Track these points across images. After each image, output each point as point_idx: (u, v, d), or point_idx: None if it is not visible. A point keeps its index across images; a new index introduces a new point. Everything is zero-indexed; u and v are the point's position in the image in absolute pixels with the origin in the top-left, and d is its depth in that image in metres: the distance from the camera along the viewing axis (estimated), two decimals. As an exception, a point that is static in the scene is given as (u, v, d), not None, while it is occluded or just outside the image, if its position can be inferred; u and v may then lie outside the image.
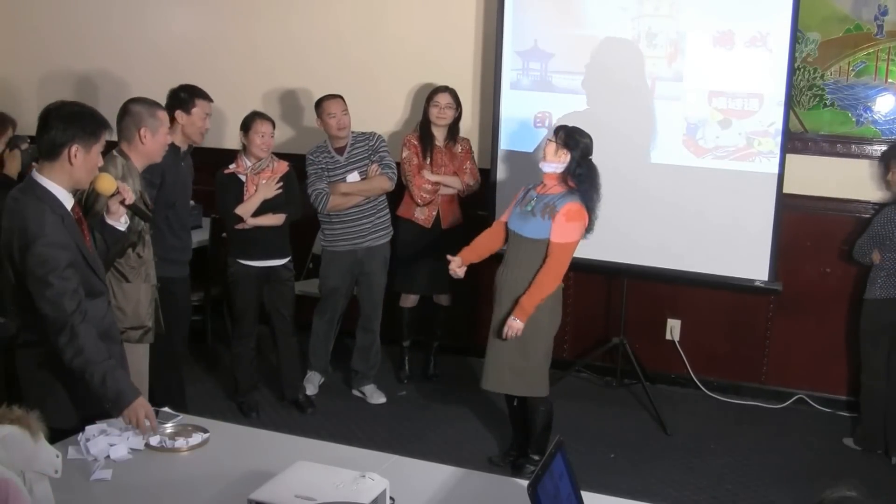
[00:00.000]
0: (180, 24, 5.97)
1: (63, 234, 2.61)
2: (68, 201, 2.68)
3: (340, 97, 4.72)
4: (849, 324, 4.79)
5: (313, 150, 4.80)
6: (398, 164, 4.88)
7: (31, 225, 2.57)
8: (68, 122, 2.64)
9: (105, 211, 2.98)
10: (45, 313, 2.57)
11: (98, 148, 2.68)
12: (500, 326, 3.84)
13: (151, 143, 3.47)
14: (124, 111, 3.50)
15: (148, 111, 3.48)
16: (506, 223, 3.94)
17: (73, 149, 2.62)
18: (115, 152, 3.48)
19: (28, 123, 6.36)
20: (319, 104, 4.73)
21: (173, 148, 3.99)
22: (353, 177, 4.71)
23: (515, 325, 3.76)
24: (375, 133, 4.83)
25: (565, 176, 3.77)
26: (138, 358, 3.49)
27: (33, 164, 3.17)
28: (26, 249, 2.56)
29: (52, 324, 2.57)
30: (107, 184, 2.90)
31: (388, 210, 4.87)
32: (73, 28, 6.22)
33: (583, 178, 3.76)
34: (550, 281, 3.77)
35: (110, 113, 3.59)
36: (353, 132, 4.77)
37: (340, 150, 4.73)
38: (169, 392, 3.86)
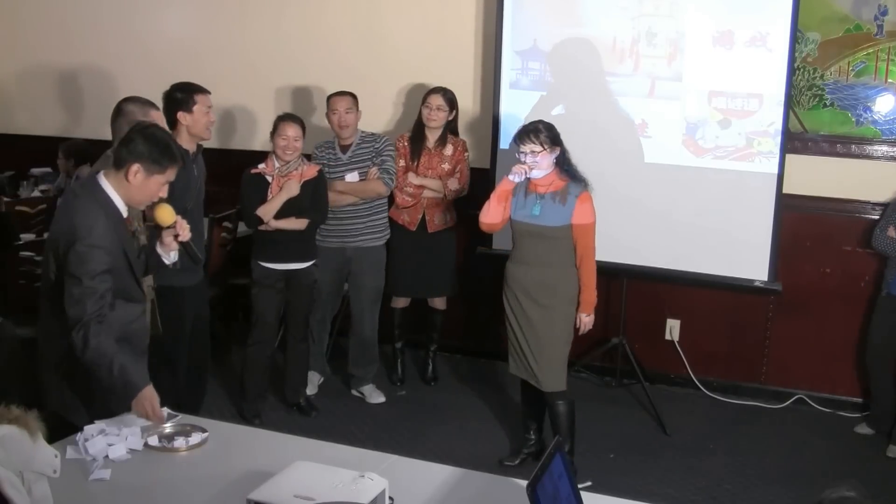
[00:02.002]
0: (173, 22, 5.97)
1: (110, 238, 2.69)
2: (124, 209, 2.78)
3: (349, 95, 4.69)
4: (848, 324, 4.79)
5: (320, 144, 4.80)
6: None
7: (80, 224, 2.67)
8: (144, 143, 2.74)
9: (158, 241, 3.01)
10: (66, 308, 2.64)
11: (160, 179, 2.77)
12: (547, 325, 3.87)
13: None
14: (118, 111, 3.50)
15: (141, 110, 3.47)
16: (510, 219, 3.95)
17: (134, 168, 2.72)
18: (109, 152, 3.47)
19: (33, 119, 6.43)
20: (328, 100, 4.73)
21: (180, 152, 3.95)
22: (353, 176, 4.70)
23: (589, 320, 3.91)
24: (384, 136, 4.81)
25: (559, 170, 3.84)
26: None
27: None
28: (70, 246, 2.65)
29: (70, 319, 2.63)
30: (165, 215, 2.93)
31: (385, 213, 4.83)
32: (62, 25, 6.24)
33: (571, 164, 3.87)
34: (594, 268, 3.89)
35: (106, 112, 3.63)
36: (362, 132, 4.76)
37: (345, 149, 4.73)
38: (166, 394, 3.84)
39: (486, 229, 4.05)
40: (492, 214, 3.93)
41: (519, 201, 3.91)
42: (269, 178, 4.42)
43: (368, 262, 4.80)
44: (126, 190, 2.76)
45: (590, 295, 3.89)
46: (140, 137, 2.76)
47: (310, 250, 4.54)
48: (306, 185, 4.42)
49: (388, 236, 4.86)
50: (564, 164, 3.86)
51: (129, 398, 2.61)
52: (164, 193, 2.82)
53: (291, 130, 4.38)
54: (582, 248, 3.84)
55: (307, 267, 4.53)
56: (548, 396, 3.97)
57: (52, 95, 6.38)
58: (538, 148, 3.78)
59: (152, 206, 2.92)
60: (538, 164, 3.79)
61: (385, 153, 4.73)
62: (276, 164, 4.42)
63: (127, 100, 3.53)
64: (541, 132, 3.79)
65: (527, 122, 3.96)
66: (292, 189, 4.39)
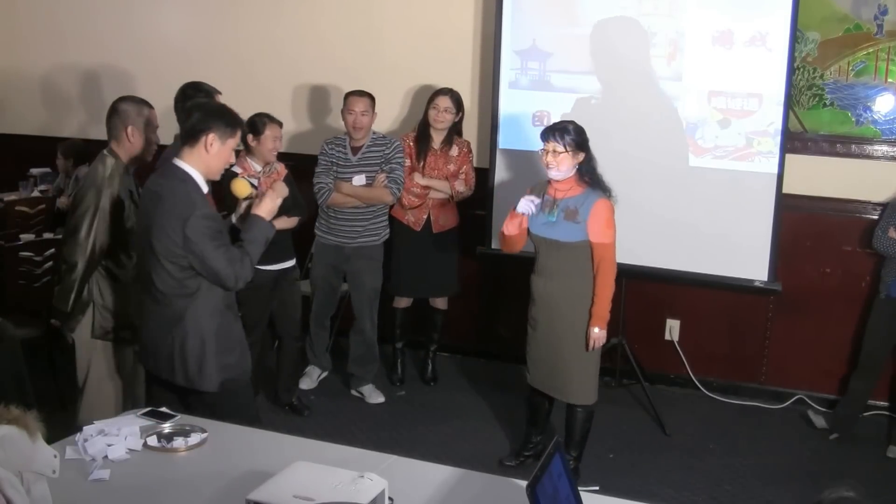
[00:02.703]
0: (171, 24, 5.97)
1: (208, 206, 2.87)
2: (204, 186, 2.91)
3: (367, 96, 4.64)
4: (848, 324, 4.79)
5: (330, 139, 4.76)
6: None
7: (181, 203, 2.81)
8: (210, 113, 2.93)
9: (237, 216, 3.18)
10: (217, 282, 2.90)
11: (231, 143, 2.94)
12: (574, 338, 3.82)
13: (138, 142, 3.48)
14: (112, 110, 3.51)
15: (135, 109, 3.49)
16: (528, 230, 3.86)
17: (210, 137, 2.88)
18: (105, 151, 3.48)
19: (30, 118, 6.42)
20: (345, 98, 4.68)
21: None
22: (360, 179, 4.65)
23: (600, 335, 3.79)
24: (395, 140, 4.75)
25: (580, 176, 3.75)
26: (133, 358, 3.49)
27: None
28: (183, 227, 2.79)
29: (223, 284, 2.90)
30: (241, 187, 3.16)
31: (385, 216, 4.80)
32: (60, 25, 6.23)
33: (594, 172, 3.77)
34: (611, 282, 3.76)
35: (102, 112, 3.64)
36: (374, 134, 4.71)
37: (356, 150, 4.68)
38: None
39: (508, 248, 3.92)
40: (510, 228, 3.83)
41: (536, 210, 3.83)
42: (254, 181, 4.28)
43: (366, 260, 4.77)
44: (205, 162, 2.89)
45: (602, 308, 3.76)
46: (200, 111, 2.93)
47: (291, 248, 4.54)
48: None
49: (386, 237, 4.83)
50: (587, 172, 3.74)
51: (268, 225, 3.05)
52: (232, 158, 2.99)
53: (279, 130, 4.35)
54: (598, 260, 3.73)
55: (294, 265, 4.55)
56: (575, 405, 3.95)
57: (51, 96, 6.38)
58: (560, 149, 3.67)
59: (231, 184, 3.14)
60: (559, 164, 3.70)
61: (394, 160, 4.66)
62: (257, 167, 4.34)
63: (122, 99, 3.54)
64: (568, 133, 3.68)
65: (556, 121, 3.89)
66: (284, 189, 4.34)
